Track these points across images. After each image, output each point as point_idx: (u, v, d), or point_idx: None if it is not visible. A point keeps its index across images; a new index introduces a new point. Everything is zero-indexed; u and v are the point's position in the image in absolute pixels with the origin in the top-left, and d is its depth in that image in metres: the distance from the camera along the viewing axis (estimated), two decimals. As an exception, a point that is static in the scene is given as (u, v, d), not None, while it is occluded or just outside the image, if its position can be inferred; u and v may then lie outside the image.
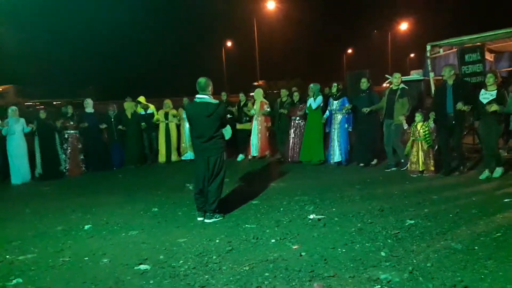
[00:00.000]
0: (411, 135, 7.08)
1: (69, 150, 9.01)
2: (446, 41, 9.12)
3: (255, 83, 30.41)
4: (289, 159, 8.93)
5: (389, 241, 4.11)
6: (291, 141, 8.92)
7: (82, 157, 9.21)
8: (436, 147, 7.41)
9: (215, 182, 5.16)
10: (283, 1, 33.71)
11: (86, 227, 5.16)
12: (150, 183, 7.70)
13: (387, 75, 10.85)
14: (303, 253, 3.92)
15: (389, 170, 7.55)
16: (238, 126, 9.71)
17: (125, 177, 8.65)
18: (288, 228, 4.67)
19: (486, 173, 6.48)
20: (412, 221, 4.63)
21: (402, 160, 7.52)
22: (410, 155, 7.12)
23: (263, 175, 7.92)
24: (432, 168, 6.94)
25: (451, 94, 6.68)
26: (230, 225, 4.94)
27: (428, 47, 9.33)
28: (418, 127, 6.99)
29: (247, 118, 9.74)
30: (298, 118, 8.87)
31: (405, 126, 7.21)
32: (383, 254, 3.80)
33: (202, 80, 5.17)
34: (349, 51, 49.33)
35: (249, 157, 9.59)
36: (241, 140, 9.69)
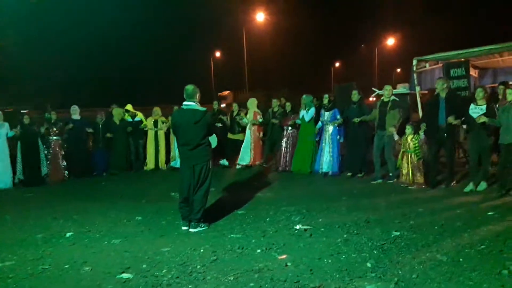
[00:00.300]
0: (402, 147, 7.16)
1: (51, 156, 8.94)
2: (432, 56, 9.29)
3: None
4: (280, 168, 8.97)
5: (375, 252, 4.10)
6: (283, 150, 9.00)
7: (64, 163, 9.12)
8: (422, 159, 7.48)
9: (200, 191, 5.10)
10: (272, 13, 34.06)
11: (68, 234, 5.04)
12: (134, 191, 7.58)
13: (374, 89, 11.01)
14: (289, 263, 3.88)
15: (375, 182, 7.58)
16: (230, 136, 9.76)
17: (108, 184, 8.51)
18: (274, 238, 4.63)
19: (470, 186, 6.55)
20: (398, 233, 4.63)
21: (391, 174, 7.56)
22: (401, 166, 7.18)
23: (250, 184, 7.87)
24: (421, 181, 7.00)
25: (443, 107, 6.73)
26: (215, 234, 4.87)
27: (415, 62, 9.48)
28: (409, 139, 7.07)
29: (239, 129, 9.81)
30: (290, 128, 8.95)
31: (396, 137, 7.29)
32: (369, 265, 3.78)
33: (189, 87, 5.15)
34: (337, 64, 49.89)
35: (237, 166, 9.56)
36: (231, 149, 9.75)
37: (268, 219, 5.42)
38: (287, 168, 8.87)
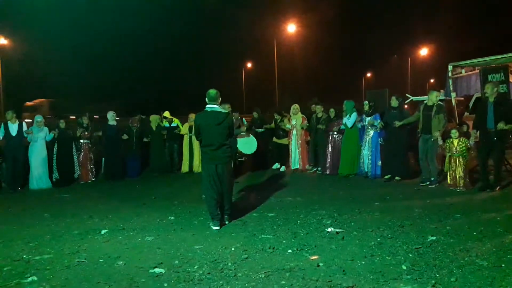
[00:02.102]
0: (447, 150, 7.19)
1: (81, 158, 9.38)
2: (468, 61, 9.07)
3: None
4: (327, 172, 9.16)
5: (410, 255, 3.98)
6: (329, 155, 9.15)
7: (92, 166, 9.56)
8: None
9: (226, 188, 5.34)
10: (303, 25, 34.17)
11: (103, 231, 5.15)
12: (167, 193, 7.70)
13: (407, 95, 10.82)
14: (320, 264, 3.82)
15: (424, 184, 7.49)
16: (275, 140, 10.21)
17: (142, 187, 8.68)
18: (305, 240, 4.57)
19: None
20: (434, 237, 4.48)
21: (433, 179, 7.48)
22: (448, 170, 7.21)
23: (283, 187, 7.83)
24: (465, 183, 7.04)
25: (492, 111, 6.61)
26: (245, 234, 4.87)
27: (450, 67, 9.28)
28: (455, 143, 7.08)
29: (284, 134, 10.09)
30: (335, 133, 9.11)
31: (440, 142, 7.31)
32: (404, 267, 3.68)
33: (212, 91, 5.37)
34: (368, 74, 49.34)
35: (291, 169, 9.84)
36: (278, 152, 10.20)
37: (298, 221, 5.37)
38: (333, 172, 9.04)
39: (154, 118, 10.30)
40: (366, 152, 8.48)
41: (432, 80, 41.52)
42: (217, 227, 5.14)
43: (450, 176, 7.22)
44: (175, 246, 4.48)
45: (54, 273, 3.81)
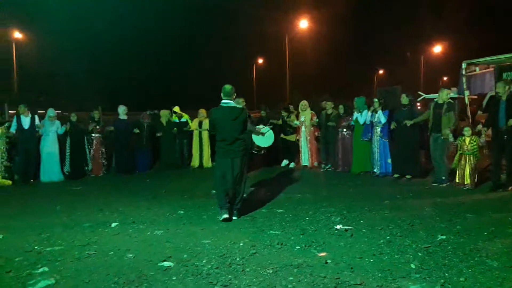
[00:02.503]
0: (459, 148, 7.13)
1: (93, 152, 9.46)
2: (483, 59, 8.94)
3: None
4: (339, 169, 9.16)
5: (419, 254, 3.95)
6: (339, 152, 9.14)
7: (103, 160, 9.63)
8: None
9: (239, 182, 5.44)
10: (316, 20, 33.95)
11: (113, 224, 5.21)
12: (177, 188, 7.77)
13: (420, 92, 10.71)
14: (329, 261, 3.82)
15: (436, 184, 7.43)
16: (283, 137, 10.17)
17: (152, 181, 8.75)
18: (313, 237, 4.57)
19: None
20: (444, 237, 4.44)
21: (443, 177, 7.41)
22: (458, 168, 7.15)
23: (292, 184, 7.83)
24: (471, 182, 6.97)
25: (504, 109, 6.54)
26: (254, 230, 4.88)
27: (464, 65, 9.16)
28: (467, 141, 7.01)
29: (291, 130, 10.07)
30: (345, 130, 9.06)
31: (451, 140, 7.23)
32: (413, 266, 3.65)
33: (228, 87, 5.47)
34: (381, 71, 48.88)
35: (301, 165, 9.88)
36: (287, 148, 10.21)
37: (307, 218, 5.36)
38: (345, 168, 9.03)
39: (164, 114, 10.38)
40: (374, 150, 8.46)
41: (445, 78, 41.03)
42: (226, 215, 5.23)
43: (458, 175, 7.16)
44: (184, 240, 4.51)
45: (64, 265, 3.87)
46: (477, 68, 9.44)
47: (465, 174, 7.03)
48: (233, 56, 42.28)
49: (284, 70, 31.61)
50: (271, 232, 4.79)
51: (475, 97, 10.43)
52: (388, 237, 4.49)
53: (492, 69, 9.01)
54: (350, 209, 5.73)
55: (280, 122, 10.33)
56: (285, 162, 10.18)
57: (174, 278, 3.50)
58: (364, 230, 4.78)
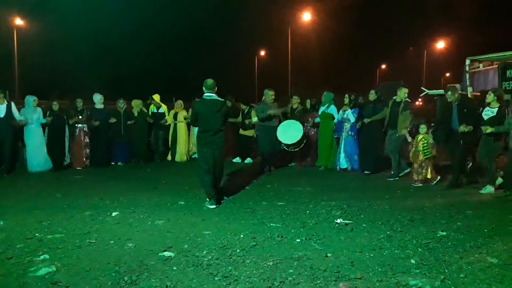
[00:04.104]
0: (414, 145, 7.33)
1: (73, 144, 9.03)
2: (486, 56, 8.88)
3: None
4: (303, 164, 9.23)
5: (420, 250, 3.96)
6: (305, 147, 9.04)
7: (87, 151, 9.17)
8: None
9: (220, 170, 5.85)
10: (319, 13, 33.71)
11: (114, 214, 5.22)
12: (177, 178, 7.80)
13: (423, 88, 10.67)
14: (329, 254, 3.83)
15: (392, 179, 7.64)
16: (241, 132, 9.95)
17: (153, 171, 8.76)
18: (314, 230, 4.57)
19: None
20: (444, 233, 4.45)
21: (392, 172, 7.68)
22: (412, 164, 7.39)
23: (289, 178, 7.83)
24: (429, 177, 7.19)
25: (456, 113, 6.84)
26: (254, 222, 4.89)
27: (468, 61, 9.11)
28: (419, 138, 7.21)
29: (249, 125, 9.86)
30: (309, 126, 9.09)
31: (409, 139, 7.43)
32: (413, 261, 3.66)
33: (209, 80, 5.76)
34: (383, 66, 48.71)
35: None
36: (242, 144, 9.99)
37: (308, 211, 5.37)
38: (307, 163, 9.15)
39: (136, 103, 9.87)
40: (342, 146, 8.48)
41: (448, 74, 40.89)
42: (214, 206, 5.57)
43: (413, 170, 7.32)
44: (184, 230, 4.52)
45: (65, 252, 3.88)
46: (481, 65, 9.37)
47: (417, 170, 7.23)
48: (235, 48, 42.01)
49: (287, 63, 31.49)
50: (271, 224, 4.80)
51: (478, 94, 10.39)
52: (388, 232, 4.50)
53: (496, 66, 8.94)
54: (351, 203, 5.73)
55: (240, 119, 10.01)
56: (238, 159, 9.86)
57: (174, 268, 3.51)
58: (364, 225, 4.78)
